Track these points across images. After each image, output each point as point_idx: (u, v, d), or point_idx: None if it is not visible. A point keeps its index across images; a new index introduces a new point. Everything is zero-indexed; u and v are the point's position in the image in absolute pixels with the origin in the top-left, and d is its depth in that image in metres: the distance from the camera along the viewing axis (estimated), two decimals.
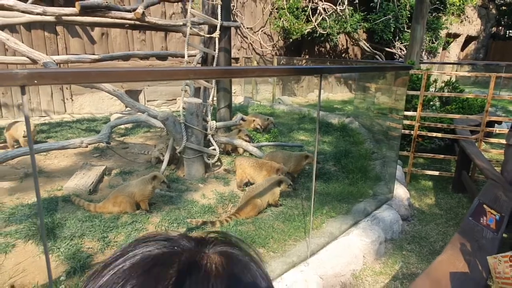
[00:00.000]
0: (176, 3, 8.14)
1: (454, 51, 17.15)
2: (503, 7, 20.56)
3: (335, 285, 2.37)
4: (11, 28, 6.58)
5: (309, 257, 2.41)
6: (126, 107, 7.84)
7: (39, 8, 3.86)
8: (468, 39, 17.91)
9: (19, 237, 2.52)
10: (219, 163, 4.20)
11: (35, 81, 1.06)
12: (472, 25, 17.46)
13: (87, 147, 3.57)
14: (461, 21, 15.65)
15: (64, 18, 4.20)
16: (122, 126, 5.88)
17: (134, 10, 4.22)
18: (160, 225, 2.80)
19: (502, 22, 21.47)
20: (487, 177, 3.08)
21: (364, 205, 3.21)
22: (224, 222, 2.85)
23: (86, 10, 3.97)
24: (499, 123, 5.14)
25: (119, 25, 4.97)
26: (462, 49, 17.94)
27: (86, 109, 7.67)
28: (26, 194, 3.21)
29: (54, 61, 4.12)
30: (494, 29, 20.55)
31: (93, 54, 5.69)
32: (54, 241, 2.47)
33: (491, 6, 19.03)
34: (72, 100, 7.56)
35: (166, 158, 3.87)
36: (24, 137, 4.28)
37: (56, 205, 3.00)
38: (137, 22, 4.42)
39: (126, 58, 7.79)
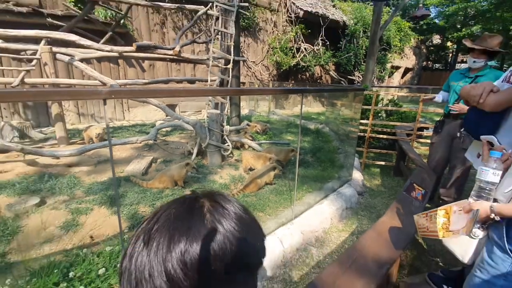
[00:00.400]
0: (202, 43, 8.18)
1: (396, 78, 17.14)
2: (431, 47, 20.54)
3: (311, 238, 2.42)
4: (87, 61, 6.64)
5: (294, 219, 2.45)
6: (167, 116, 7.90)
7: (108, 47, 3.92)
8: (406, 70, 17.89)
9: (95, 204, 2.57)
10: (231, 155, 4.25)
11: (113, 96, 1.12)
12: (409, 60, 17.44)
13: (140, 143, 3.63)
14: (401, 57, 15.62)
15: (124, 54, 4.25)
16: (164, 129, 5.94)
17: (173, 48, 4.28)
18: None
19: (430, 58, 21.46)
20: (417, 165, 3.12)
21: (331, 184, 3.26)
22: (235, 195, 2.91)
23: (140, 48, 4.03)
24: (427, 128, 5.17)
25: (162, 59, 5.04)
26: (402, 77, 17.92)
27: (139, 117, 7.71)
28: (99, 175, 3.26)
29: (118, 83, 4.17)
30: (424, 63, 20.54)
31: (144, 79, 5.72)
32: (119, 207, 2.54)
33: (422, 47, 19.01)
34: (129, 111, 7.60)
35: (195, 151, 3.92)
36: (96, 137, 4.34)
37: (120, 182, 3.06)
38: (175, 57, 4.47)
39: (166, 82, 7.83)
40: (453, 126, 2.70)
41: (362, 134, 4.47)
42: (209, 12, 4.79)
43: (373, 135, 4.52)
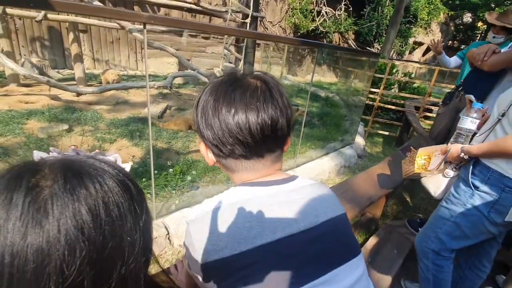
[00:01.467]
0: None
1: (417, 55, 16.44)
2: (460, 26, 19.31)
3: None
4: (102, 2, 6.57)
5: (295, 167, 2.71)
6: (179, 69, 7.96)
7: None
8: (429, 48, 17.06)
9: (118, 135, 2.85)
10: None
11: (152, 21, 1.27)
12: (434, 36, 16.53)
13: (157, 88, 3.81)
14: (427, 33, 14.84)
15: None
16: (176, 82, 6.06)
17: None
18: None
19: (457, 38, 20.27)
20: (418, 133, 3.27)
21: (334, 144, 3.46)
22: None
23: None
24: (438, 104, 5.19)
25: (179, 8, 4.97)
26: (423, 55, 17.17)
27: (151, 69, 7.78)
28: (118, 114, 3.51)
29: (136, 28, 4.23)
30: (450, 42, 19.48)
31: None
32: (139, 140, 2.80)
33: (451, 24, 17.89)
34: (142, 61, 7.67)
35: None
36: (112, 82, 4.51)
37: (139, 121, 3.31)
38: (193, 6, 4.45)
39: (182, 32, 7.73)
40: (460, 100, 2.81)
41: (370, 103, 4.55)
42: None
43: (381, 104, 4.59)
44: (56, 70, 6.06)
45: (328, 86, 9.52)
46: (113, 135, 2.81)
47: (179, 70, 7.90)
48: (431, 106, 4.57)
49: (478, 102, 1.28)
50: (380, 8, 10.72)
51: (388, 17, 10.79)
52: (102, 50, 7.09)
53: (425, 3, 12.42)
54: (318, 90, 7.55)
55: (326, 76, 12.09)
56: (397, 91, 5.94)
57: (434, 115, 4.73)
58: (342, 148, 3.43)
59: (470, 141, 1.30)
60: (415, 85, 5.76)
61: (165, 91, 4.85)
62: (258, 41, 9.14)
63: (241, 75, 0.57)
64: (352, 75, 6.94)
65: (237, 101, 0.50)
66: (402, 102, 4.66)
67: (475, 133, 1.28)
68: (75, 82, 4.68)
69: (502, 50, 2.52)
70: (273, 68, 10.10)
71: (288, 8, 9.73)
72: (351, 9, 10.53)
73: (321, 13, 10.00)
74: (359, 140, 3.88)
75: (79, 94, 3.67)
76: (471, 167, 1.22)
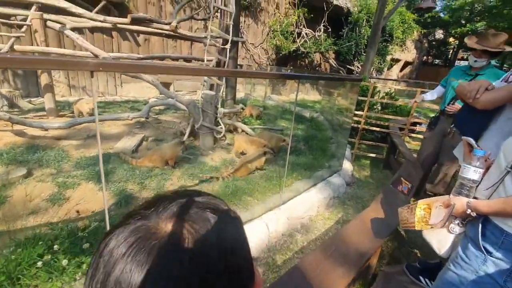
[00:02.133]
0: (200, 20, 7.90)
1: (395, 71, 17.04)
2: (433, 42, 20.35)
3: (297, 224, 2.47)
4: (79, 30, 6.37)
5: (281, 204, 2.49)
6: (161, 94, 7.76)
7: (101, 17, 3.74)
8: (406, 64, 17.77)
9: (83, 178, 2.55)
10: (224, 138, 4.23)
11: (101, 68, 1.07)
12: (409, 53, 17.29)
13: (132, 120, 3.56)
14: (402, 50, 15.46)
15: (118, 25, 4.07)
16: (157, 108, 5.83)
17: (169, 23, 4.12)
18: (181, 177, 2.85)
19: (431, 53, 21.32)
20: (406, 158, 3.16)
21: (321, 173, 3.29)
22: (225, 179, 2.91)
23: (135, 21, 3.87)
24: (420, 124, 5.21)
25: (158, 34, 4.84)
26: (401, 70, 17.83)
27: (132, 94, 7.54)
28: (88, 150, 3.22)
29: (111, 56, 4.03)
30: (424, 57, 20.41)
31: (138, 54, 5.52)
32: (107, 183, 2.52)
33: (424, 41, 18.82)
34: (122, 86, 7.42)
35: (187, 132, 3.88)
36: (87, 112, 4.23)
37: (109, 159, 3.03)
38: (171, 33, 4.31)
39: (162, 58, 7.60)
40: (446, 124, 2.73)
41: (355, 125, 4.48)
42: None
43: (367, 127, 4.53)
44: (28, 100, 5.71)
45: (312, 104, 9.55)
46: (77, 179, 2.52)
47: (160, 94, 7.69)
48: (414, 127, 4.55)
49: (479, 148, 1.13)
50: (357, 28, 11.08)
51: (365, 36, 11.16)
52: (79, 76, 6.81)
53: (399, 23, 12.98)
54: (302, 110, 7.50)
55: (310, 94, 12.20)
56: (379, 109, 5.96)
57: (417, 132, 4.73)
58: (330, 177, 3.26)
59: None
60: (397, 105, 5.79)
61: (143, 119, 4.60)
62: (240, 62, 9.14)
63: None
64: (335, 93, 6.96)
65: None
66: (387, 124, 4.61)
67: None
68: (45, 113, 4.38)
69: (488, 78, 2.49)
70: (257, 88, 10.08)
71: (269, 31, 9.87)
72: (330, 30, 10.84)
73: (301, 35, 10.22)
74: (347, 165, 3.74)
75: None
76: (480, 225, 1.05)
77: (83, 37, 6.45)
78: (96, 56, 3.89)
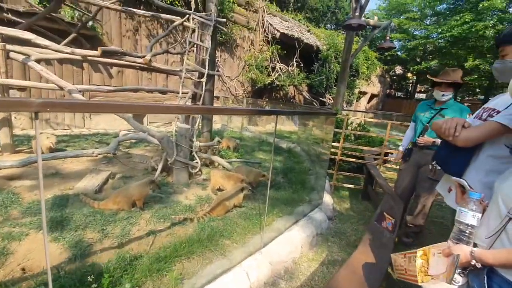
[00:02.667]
0: (176, 54, 7.97)
1: (363, 103, 18.18)
2: (394, 77, 22.26)
3: (280, 270, 2.25)
4: (48, 61, 6.10)
5: (262, 247, 2.29)
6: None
7: (69, 49, 3.57)
8: (372, 96, 19.09)
9: (33, 227, 2.19)
10: (199, 173, 4.01)
11: (48, 109, 0.90)
12: (375, 87, 18.67)
13: (97, 156, 3.26)
14: (368, 84, 16.68)
15: (88, 58, 3.89)
16: (127, 141, 5.52)
17: (143, 56, 4.03)
18: (150, 220, 2.56)
19: (393, 87, 23.21)
20: (385, 191, 3.14)
21: (302, 208, 3.15)
22: (200, 219, 2.67)
23: (106, 54, 3.73)
24: (391, 153, 5.38)
25: (131, 67, 4.72)
26: (368, 102, 19.07)
27: (101, 126, 7.15)
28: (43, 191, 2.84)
29: (78, 89, 3.79)
30: (388, 90, 22.13)
31: (109, 86, 5.31)
32: (61, 232, 2.17)
33: (386, 76, 20.53)
34: (90, 118, 7.04)
35: (159, 167, 3.62)
36: (48, 148, 3.85)
37: (67, 202, 2.67)
38: (145, 66, 4.22)
39: (135, 90, 7.44)
40: (419, 155, 2.80)
41: (332, 156, 4.50)
42: (185, 24, 4.66)
43: (343, 158, 4.57)
44: None
45: (288, 134, 9.68)
46: (26, 228, 2.15)
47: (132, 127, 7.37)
48: (387, 157, 4.68)
49: (473, 190, 1.07)
50: (327, 64, 11.84)
51: (335, 71, 11.92)
52: None
53: (363, 60, 14.13)
54: (280, 141, 7.53)
55: (286, 125, 12.44)
56: (353, 139, 6.11)
57: (391, 160, 4.85)
58: (311, 212, 3.13)
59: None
60: (369, 136, 6.00)
61: (110, 154, 4.28)
62: (216, 94, 9.20)
63: None
64: (310, 124, 7.10)
65: None
66: (361, 154, 4.69)
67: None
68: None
69: (453, 111, 2.63)
70: (234, 119, 10.10)
71: (244, 65, 10.19)
72: (302, 65, 11.45)
73: (276, 69, 10.66)
74: (327, 198, 3.65)
75: None
76: (485, 278, 0.94)
77: (51, 69, 6.17)
78: (61, 88, 3.64)
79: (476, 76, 14.13)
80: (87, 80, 6.75)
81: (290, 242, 2.47)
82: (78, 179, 3.17)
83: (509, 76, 1.36)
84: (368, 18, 7.76)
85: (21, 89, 5.93)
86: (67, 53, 3.57)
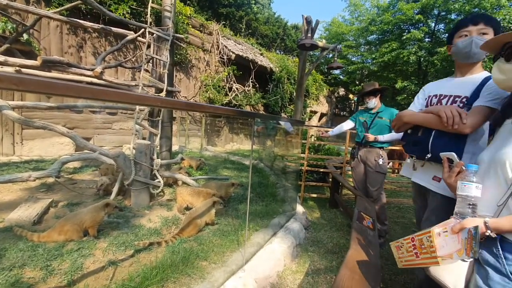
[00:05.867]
0: (129, 69, 7.52)
1: (314, 121, 19.38)
2: (338, 98, 24.45)
3: (266, 286, 2.05)
4: None
5: (245, 264, 2.07)
6: (76, 151, 6.58)
7: (1, 58, 3.04)
8: (322, 115, 20.52)
9: None
10: (162, 193, 3.64)
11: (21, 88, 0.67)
12: (323, 106, 20.15)
13: (34, 180, 2.70)
14: (317, 103, 17.94)
15: (24, 70, 3.36)
16: (71, 165, 4.83)
17: (93, 69, 3.66)
18: (108, 249, 2.16)
19: (338, 106, 25.40)
20: (355, 194, 3.21)
21: (278, 220, 3.02)
22: (169, 242, 2.34)
23: (48, 64, 3.29)
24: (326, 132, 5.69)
25: (78, 81, 4.23)
26: (319, 120, 20.40)
27: (36, 152, 6.17)
28: None
29: (10, 105, 3.22)
30: (335, 110, 24.09)
31: (48, 103, 4.68)
32: None
33: (333, 96, 22.43)
34: (22, 144, 6.04)
35: (115, 190, 3.19)
36: None
37: None
38: (95, 80, 3.82)
39: (80, 109, 6.72)
40: (363, 152, 3.20)
41: (299, 167, 4.54)
42: (140, 39, 4.44)
43: (309, 168, 4.65)
44: None
45: (248, 153, 9.65)
46: None
47: (76, 151, 6.53)
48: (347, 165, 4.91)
49: (470, 163, 1.10)
50: (280, 85, 12.44)
51: (288, 91, 12.57)
52: None
53: (312, 81, 15.25)
54: (242, 158, 7.43)
55: (245, 144, 12.46)
56: (314, 151, 6.34)
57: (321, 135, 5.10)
58: (287, 223, 3.02)
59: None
60: (326, 147, 6.30)
61: (51, 180, 3.65)
62: (173, 115, 8.82)
63: None
64: (269, 142, 7.19)
65: None
66: (323, 164, 4.85)
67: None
68: None
69: (387, 114, 3.05)
70: (192, 140, 9.75)
71: (201, 85, 10.10)
72: (257, 85, 11.83)
73: (232, 89, 10.78)
74: (299, 208, 3.60)
75: None
76: (499, 248, 0.93)
77: None
78: None
79: (405, 95, 16.28)
80: (19, 96, 5.84)
81: (273, 256, 2.30)
82: (9, 210, 2.58)
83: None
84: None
85: None
86: None
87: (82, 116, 6.83)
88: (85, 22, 4.14)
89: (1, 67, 3.24)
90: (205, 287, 1.75)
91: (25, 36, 5.54)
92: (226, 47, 10.49)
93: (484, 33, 1.42)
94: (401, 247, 1.19)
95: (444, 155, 1.22)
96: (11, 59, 3.14)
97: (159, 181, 3.44)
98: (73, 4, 4.10)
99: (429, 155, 1.42)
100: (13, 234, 2.15)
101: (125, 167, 3.21)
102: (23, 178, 2.58)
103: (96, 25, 4.15)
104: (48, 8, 6.05)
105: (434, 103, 1.63)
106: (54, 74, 3.79)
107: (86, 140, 6.79)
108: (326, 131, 3.87)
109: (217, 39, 10.50)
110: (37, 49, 5.94)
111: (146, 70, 4.56)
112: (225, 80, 10.62)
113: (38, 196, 3.03)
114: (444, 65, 14.48)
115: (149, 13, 4.28)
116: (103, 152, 3.35)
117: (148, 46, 4.39)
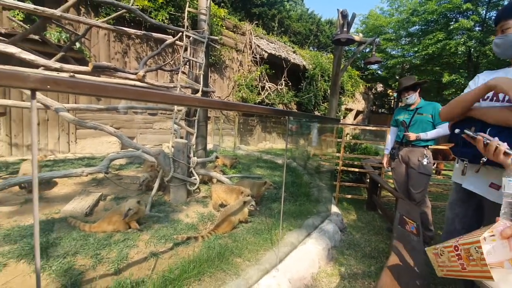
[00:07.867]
0: (168, 72, 7.93)
1: (350, 119, 18.60)
2: (376, 94, 23.15)
3: (300, 287, 2.02)
4: None
5: (278, 264, 2.06)
6: (122, 149, 7.12)
7: (57, 64, 3.39)
8: (357, 112, 19.63)
9: (12, 256, 1.88)
10: (198, 190, 3.77)
11: (48, 86, 0.74)
12: (359, 103, 19.27)
13: (87, 176, 2.98)
14: (353, 101, 17.18)
15: (78, 75, 3.71)
16: (117, 162, 5.23)
17: (136, 73, 3.91)
18: (150, 241, 2.29)
19: (376, 103, 24.06)
20: (396, 197, 3.01)
21: (312, 220, 2.95)
22: (206, 237, 2.42)
23: (97, 70, 3.58)
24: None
25: (123, 84, 4.56)
26: (354, 118, 19.55)
27: (87, 150, 6.80)
28: (23, 217, 2.53)
29: (65, 107, 3.58)
30: (372, 107, 22.88)
31: (98, 105, 5.11)
32: (47, 260, 1.87)
33: (370, 93, 21.32)
34: (76, 142, 6.69)
35: (155, 186, 3.37)
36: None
37: (52, 226, 2.37)
38: (138, 83, 4.08)
39: (125, 111, 7.21)
40: (404, 152, 2.99)
41: (335, 167, 4.39)
42: (177, 42, 4.63)
43: (345, 168, 4.46)
44: None
45: (281, 152, 9.58)
46: (4, 257, 1.84)
47: (122, 149, 7.07)
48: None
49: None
50: (314, 82, 12.14)
51: (322, 89, 12.21)
52: (24, 133, 6.01)
53: (347, 78, 14.63)
54: (274, 157, 7.41)
55: (277, 143, 12.41)
56: (350, 150, 6.08)
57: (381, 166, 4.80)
58: (322, 224, 2.94)
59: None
60: (363, 146, 5.99)
61: (100, 175, 3.99)
62: (209, 115, 9.10)
63: None
64: (302, 140, 7.05)
65: None
66: (360, 164, 4.62)
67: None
68: None
69: (428, 109, 2.82)
70: (225, 139, 9.96)
71: (234, 84, 10.27)
72: (290, 84, 11.69)
73: (265, 88, 10.79)
74: (334, 209, 3.48)
75: None
76: None
77: None
78: (47, 107, 3.42)
79: (453, 90, 14.85)
80: (73, 99, 6.48)
81: (307, 257, 2.25)
82: (66, 202, 2.86)
83: (511, 50, 1.31)
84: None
85: (1, 113, 5.60)
86: (55, 68, 3.39)
87: (127, 116, 7.37)
88: (129, 29, 4.45)
89: (58, 73, 3.61)
90: (239, 283, 1.77)
91: (77, 44, 6.12)
92: (258, 46, 10.52)
93: None
94: (441, 254, 1.08)
95: (480, 136, 1.10)
96: (66, 66, 3.48)
97: (196, 179, 3.56)
98: (119, 13, 4.40)
99: (484, 159, 1.24)
100: (67, 224, 2.39)
101: (164, 164, 3.39)
102: (77, 173, 2.85)
103: (139, 32, 4.43)
104: (97, 18, 6.60)
105: (489, 97, 1.45)
106: (103, 78, 4.13)
107: (131, 139, 7.34)
108: (385, 163, 3.46)
109: (249, 39, 10.59)
110: (88, 56, 6.53)
111: (184, 72, 4.75)
112: (258, 79, 10.66)
113: (89, 190, 3.33)
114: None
115: (186, 17, 4.44)
116: (146, 150, 3.57)
117: (186, 49, 4.57)
